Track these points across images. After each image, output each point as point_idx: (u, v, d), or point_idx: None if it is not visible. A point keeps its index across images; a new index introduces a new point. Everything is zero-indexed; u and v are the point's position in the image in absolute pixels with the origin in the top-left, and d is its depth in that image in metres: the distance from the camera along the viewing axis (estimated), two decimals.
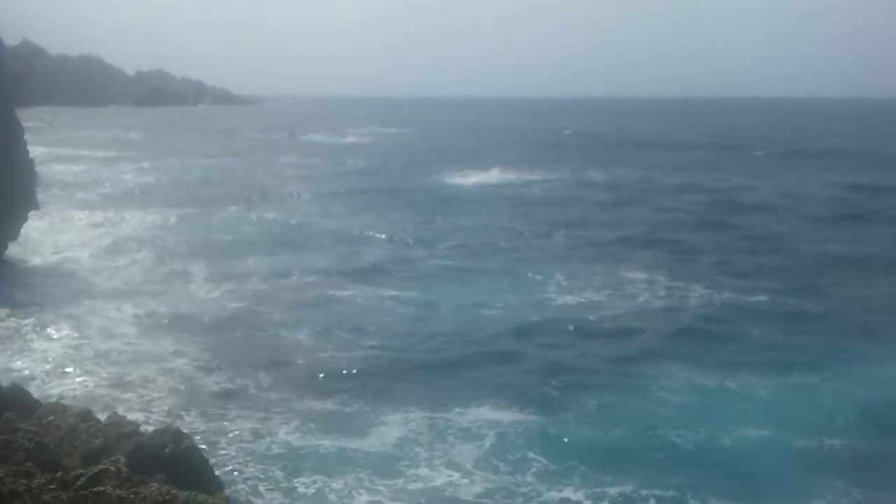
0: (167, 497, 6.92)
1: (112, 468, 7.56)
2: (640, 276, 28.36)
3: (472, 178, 59.18)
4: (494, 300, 25.28)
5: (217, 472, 11.98)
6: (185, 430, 14.46)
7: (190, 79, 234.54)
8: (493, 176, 60.67)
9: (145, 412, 16.22)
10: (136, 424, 11.76)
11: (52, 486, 6.88)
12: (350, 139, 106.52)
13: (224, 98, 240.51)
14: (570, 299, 25.57)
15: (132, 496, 6.73)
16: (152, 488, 6.99)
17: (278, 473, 14.01)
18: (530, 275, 28.64)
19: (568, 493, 13.61)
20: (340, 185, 54.30)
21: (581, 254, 32.41)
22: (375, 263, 30.25)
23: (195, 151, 79.61)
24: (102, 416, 12.09)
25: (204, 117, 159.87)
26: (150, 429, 12.30)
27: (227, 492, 11.46)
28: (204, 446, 14.44)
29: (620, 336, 22.08)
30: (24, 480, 6.86)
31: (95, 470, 7.46)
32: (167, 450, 10.97)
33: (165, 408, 16.65)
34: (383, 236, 36.03)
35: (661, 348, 20.99)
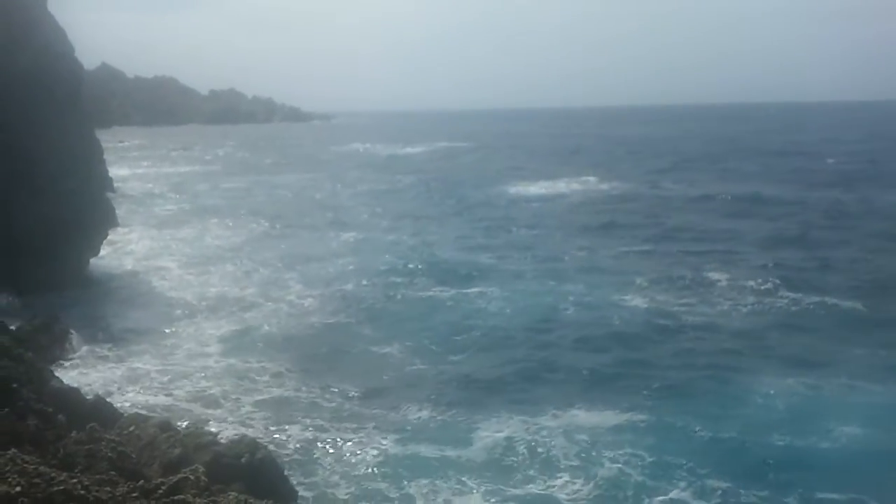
0: None
1: (191, 477, 7.73)
2: (722, 277, 28.15)
3: (563, 186, 59.63)
4: (577, 303, 25.37)
5: (305, 483, 12.18)
6: (279, 442, 14.83)
7: (260, 97, 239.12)
8: (583, 183, 61.24)
9: (235, 425, 16.42)
10: (214, 435, 12.00)
11: (134, 495, 7.07)
12: (420, 149, 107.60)
13: (293, 115, 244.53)
14: (653, 302, 25.50)
15: None
16: (231, 497, 7.14)
17: (379, 484, 14.02)
18: (613, 278, 28.69)
19: (674, 493, 13.58)
20: (415, 195, 54.81)
21: (671, 259, 32.29)
22: (454, 268, 30.56)
23: (268, 167, 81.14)
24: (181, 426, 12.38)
25: (275, 134, 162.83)
26: (226, 439, 12.54)
27: (300, 502, 11.65)
28: (297, 457, 14.82)
29: (709, 338, 22.02)
30: (108, 489, 7.06)
31: (176, 479, 7.64)
32: (243, 460, 11.19)
33: (256, 420, 16.83)
34: (460, 241, 36.49)
35: (754, 350, 20.89)
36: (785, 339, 21.91)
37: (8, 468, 6.60)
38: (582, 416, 16.73)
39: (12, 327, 17.60)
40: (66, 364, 19.75)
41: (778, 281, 27.37)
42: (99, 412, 12.46)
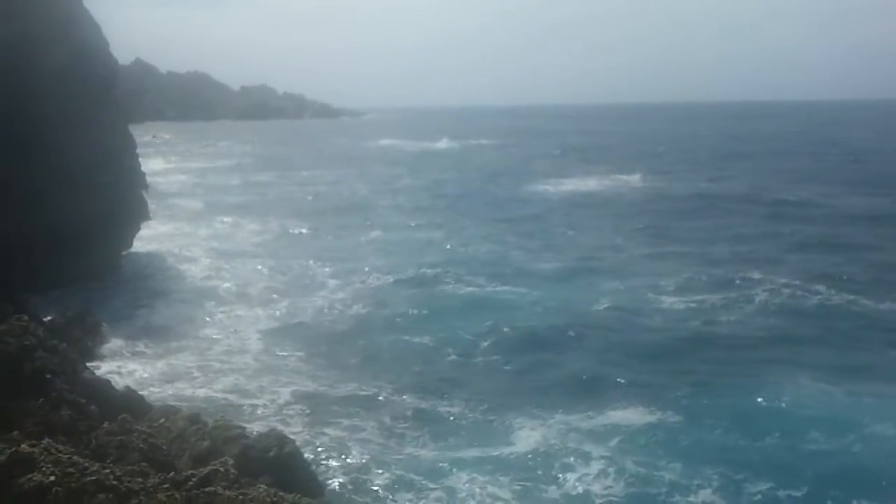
0: (274, 499, 7.12)
1: (221, 469, 7.83)
2: (759, 278, 27.96)
3: (604, 181, 59.73)
4: (611, 302, 25.33)
5: (339, 477, 12.27)
6: (314, 435, 14.91)
7: (292, 93, 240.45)
8: (632, 179, 61.29)
9: (271, 418, 16.52)
10: (242, 428, 12.12)
11: (165, 486, 7.17)
12: (449, 146, 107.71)
13: (324, 112, 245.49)
14: (688, 302, 25.42)
15: (241, 497, 6.96)
16: (260, 490, 7.22)
17: (414, 478, 14.08)
18: (648, 278, 28.61)
19: (707, 494, 13.59)
20: (446, 192, 54.93)
21: (707, 259, 32.18)
22: (486, 267, 30.64)
23: (299, 163, 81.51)
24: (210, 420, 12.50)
25: (306, 130, 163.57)
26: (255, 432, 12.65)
27: (327, 497, 11.73)
28: (331, 451, 14.91)
29: (743, 340, 21.96)
30: (139, 479, 7.16)
31: (206, 471, 7.74)
32: (271, 453, 11.30)
33: (292, 414, 16.93)
34: (492, 239, 36.55)
35: (788, 352, 20.82)
36: (820, 342, 21.78)
37: (42, 458, 6.73)
38: (616, 415, 16.69)
39: (46, 319, 17.88)
40: (99, 356, 20.01)
41: (815, 283, 27.14)
42: (130, 404, 12.63)
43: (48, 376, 10.27)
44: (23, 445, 6.90)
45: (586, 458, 14.79)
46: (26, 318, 11.61)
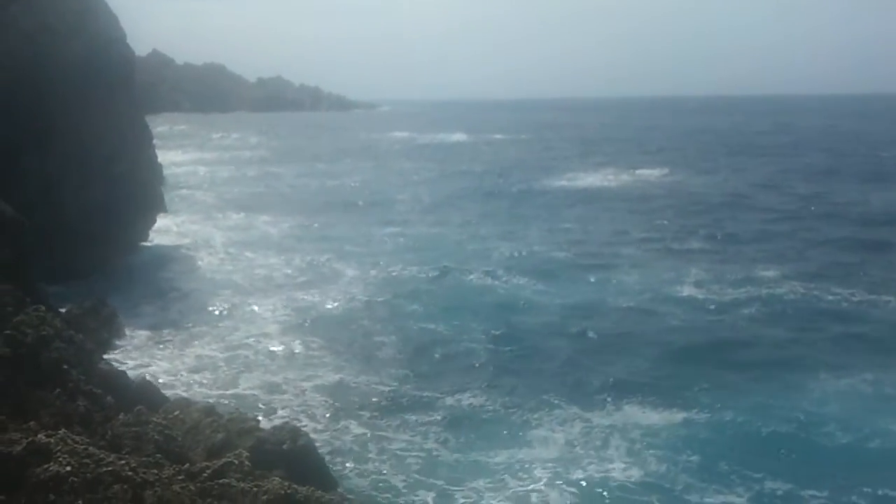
0: (288, 491, 7.15)
1: (235, 462, 7.86)
2: (778, 275, 27.97)
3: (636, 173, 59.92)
4: (629, 298, 25.40)
5: (359, 470, 12.28)
6: (337, 430, 15.20)
7: (307, 85, 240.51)
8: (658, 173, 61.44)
9: (291, 409, 16.66)
10: (256, 421, 12.16)
11: (180, 477, 7.20)
12: (464, 138, 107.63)
13: (339, 104, 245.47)
14: (707, 299, 25.41)
15: (255, 489, 6.99)
16: (274, 482, 7.24)
17: (438, 481, 14.06)
18: (667, 273, 28.64)
19: (728, 490, 13.68)
20: (463, 186, 54.94)
21: (725, 254, 32.21)
22: (504, 261, 30.74)
23: (316, 155, 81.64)
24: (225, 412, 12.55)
25: (322, 122, 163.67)
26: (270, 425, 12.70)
27: (341, 489, 11.75)
28: (354, 446, 15.06)
29: (764, 337, 21.96)
30: (154, 471, 7.20)
31: (220, 463, 7.77)
32: (285, 446, 11.34)
33: (313, 406, 17.00)
34: (509, 234, 36.59)
35: (809, 348, 20.87)
36: (841, 337, 21.72)
37: (59, 448, 6.77)
38: (636, 412, 16.73)
39: (62, 310, 17.97)
40: (114, 347, 20.12)
41: (836, 281, 27.05)
42: (145, 395, 12.70)
43: (65, 367, 10.32)
44: (39, 436, 6.95)
45: (607, 453, 14.85)
46: (43, 308, 11.67)
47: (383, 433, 15.80)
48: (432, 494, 13.51)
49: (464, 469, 14.33)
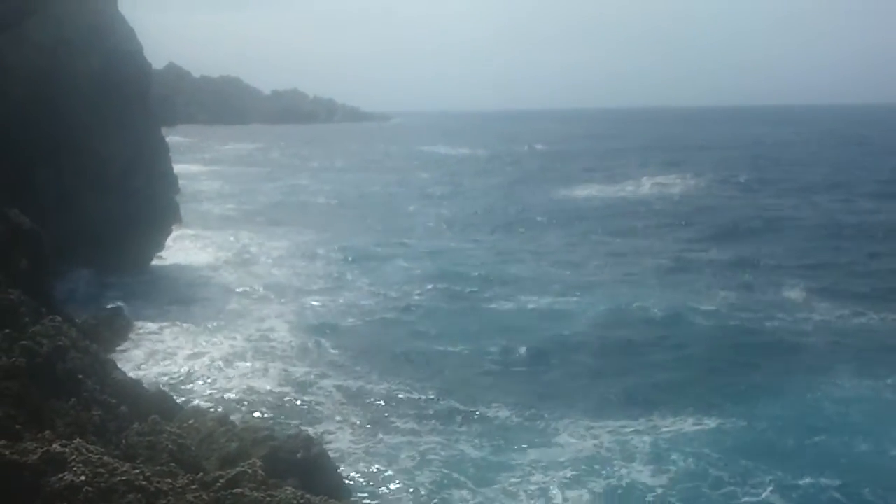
0: (301, 501, 7.14)
1: (249, 471, 7.86)
2: (803, 286, 27.81)
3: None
4: (652, 309, 25.31)
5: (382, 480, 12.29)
6: (356, 440, 15.33)
7: (321, 97, 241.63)
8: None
9: (311, 421, 16.63)
10: (271, 430, 12.17)
11: (194, 487, 7.20)
12: (480, 152, 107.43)
13: (353, 115, 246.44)
14: (730, 308, 25.42)
15: (268, 498, 6.99)
16: (287, 492, 7.24)
17: (459, 481, 14.22)
18: (690, 285, 28.61)
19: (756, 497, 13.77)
20: (481, 200, 54.83)
21: (748, 266, 31.99)
22: (524, 273, 30.79)
23: (332, 167, 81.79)
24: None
25: (336, 134, 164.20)
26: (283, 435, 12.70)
27: (354, 499, 11.76)
28: (378, 453, 15.17)
29: (787, 345, 22.01)
30: (168, 480, 7.20)
31: (234, 472, 7.77)
32: (299, 455, 11.34)
33: (329, 419, 17.02)
34: (530, 249, 36.50)
35: (832, 356, 20.86)
36: (863, 345, 21.73)
37: (73, 457, 6.79)
38: (664, 420, 16.79)
39: (77, 320, 18.08)
40: (129, 357, 20.22)
41: (863, 297, 26.87)
42: (159, 404, 12.71)
43: (80, 377, 10.36)
44: (54, 445, 6.97)
45: (636, 457, 14.98)
46: (59, 318, 11.75)
47: (408, 440, 15.87)
48: (463, 492, 13.70)
49: (491, 472, 14.47)
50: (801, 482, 14.05)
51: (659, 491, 13.81)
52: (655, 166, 74.63)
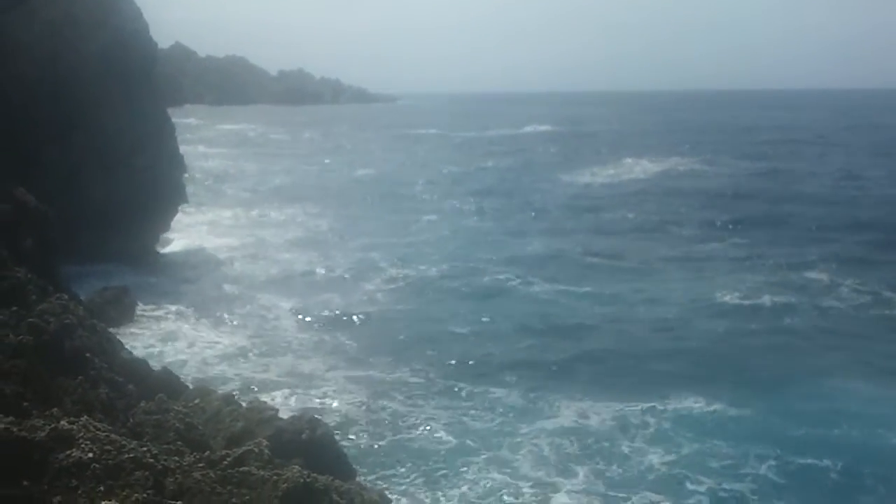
0: (308, 480, 7.18)
1: (255, 450, 7.90)
2: (823, 277, 27.80)
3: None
4: (662, 297, 25.41)
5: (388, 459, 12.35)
6: (371, 420, 15.63)
7: (328, 78, 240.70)
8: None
9: (319, 400, 16.84)
10: (276, 410, 12.19)
11: (201, 465, 7.24)
12: (491, 133, 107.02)
13: (360, 97, 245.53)
14: (745, 297, 25.37)
15: (275, 477, 7.02)
16: (294, 471, 7.27)
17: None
18: (703, 273, 28.67)
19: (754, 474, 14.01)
20: (495, 184, 54.70)
21: (764, 253, 31.94)
22: (534, 257, 30.78)
23: (341, 150, 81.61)
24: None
25: (343, 115, 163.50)
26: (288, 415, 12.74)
27: (359, 479, 11.79)
28: (388, 433, 15.39)
29: (801, 337, 22.03)
30: (175, 458, 7.24)
31: (240, 451, 7.82)
32: (304, 435, 11.36)
33: (342, 396, 17.18)
34: (544, 233, 36.62)
35: (848, 350, 20.85)
36: (881, 340, 21.63)
37: (81, 435, 6.82)
38: (671, 403, 16.88)
39: (84, 298, 18.13)
40: (134, 334, 20.29)
41: (878, 284, 26.77)
42: (166, 383, 12.76)
43: (87, 355, 10.40)
44: (62, 422, 7.01)
45: (643, 435, 15.29)
46: (66, 296, 11.78)
47: (414, 419, 16.08)
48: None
49: (499, 444, 14.79)
50: (802, 461, 14.31)
51: (662, 463, 14.16)
52: (664, 150, 74.26)
